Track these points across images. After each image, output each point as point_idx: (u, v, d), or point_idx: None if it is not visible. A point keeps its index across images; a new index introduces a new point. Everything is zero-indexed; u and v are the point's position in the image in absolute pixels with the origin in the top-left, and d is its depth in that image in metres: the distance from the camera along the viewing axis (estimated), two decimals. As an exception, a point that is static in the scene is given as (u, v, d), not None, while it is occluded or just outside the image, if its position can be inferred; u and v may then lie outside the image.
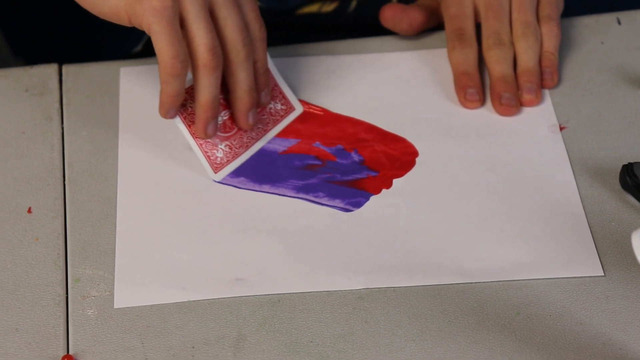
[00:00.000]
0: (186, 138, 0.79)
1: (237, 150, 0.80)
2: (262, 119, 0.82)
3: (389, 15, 0.88)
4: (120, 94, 0.86)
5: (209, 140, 0.79)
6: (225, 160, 0.79)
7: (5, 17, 1.31)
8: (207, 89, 0.76)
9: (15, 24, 1.35)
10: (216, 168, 0.79)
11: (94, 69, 0.88)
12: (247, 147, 0.81)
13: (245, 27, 0.77)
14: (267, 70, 0.81)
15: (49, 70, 0.88)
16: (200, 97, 0.76)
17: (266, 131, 0.82)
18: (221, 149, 0.79)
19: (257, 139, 0.81)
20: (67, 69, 0.88)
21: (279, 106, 0.82)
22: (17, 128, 0.84)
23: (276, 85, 0.83)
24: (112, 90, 0.86)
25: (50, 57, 0.95)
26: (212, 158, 0.79)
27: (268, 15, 0.99)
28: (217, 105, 0.77)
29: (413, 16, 0.88)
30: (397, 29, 0.88)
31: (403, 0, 0.90)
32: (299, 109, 0.83)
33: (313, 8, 0.98)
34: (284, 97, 0.82)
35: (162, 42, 0.74)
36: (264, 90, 0.80)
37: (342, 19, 0.98)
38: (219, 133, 0.79)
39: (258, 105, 0.81)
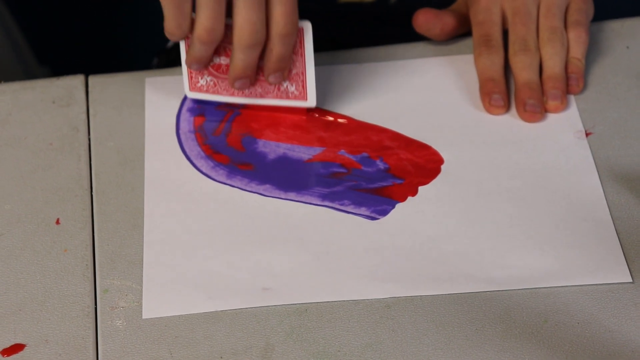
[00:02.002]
0: (181, 52, 0.83)
1: (219, 90, 0.83)
2: (266, 87, 0.83)
3: (422, 20, 0.88)
4: (146, 105, 0.87)
5: None
6: (205, 89, 0.83)
7: (30, 27, 1.33)
8: (194, 51, 0.81)
9: (40, 33, 1.36)
10: (193, 89, 0.84)
11: (119, 79, 0.89)
12: (231, 95, 0.83)
13: (260, 21, 0.79)
14: (283, 60, 0.81)
15: (75, 82, 0.88)
16: (190, 51, 0.81)
17: (262, 97, 0.83)
18: (206, 79, 0.83)
19: (245, 96, 0.83)
20: (93, 80, 0.88)
21: (292, 89, 0.82)
22: (44, 139, 0.85)
23: (302, 73, 0.82)
24: (137, 100, 0.87)
25: (76, 63, 0.96)
26: (193, 79, 0.83)
27: (310, 3, 1.00)
28: (204, 61, 0.82)
29: (445, 21, 0.88)
30: (429, 34, 0.88)
31: (436, 4, 0.90)
32: (310, 103, 0.84)
33: None
34: (303, 86, 0.83)
35: (167, 16, 0.80)
36: (273, 74, 0.82)
37: (384, 10, 0.99)
38: (211, 69, 0.83)
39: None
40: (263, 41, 0.80)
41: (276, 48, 0.80)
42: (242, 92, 0.83)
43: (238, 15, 0.79)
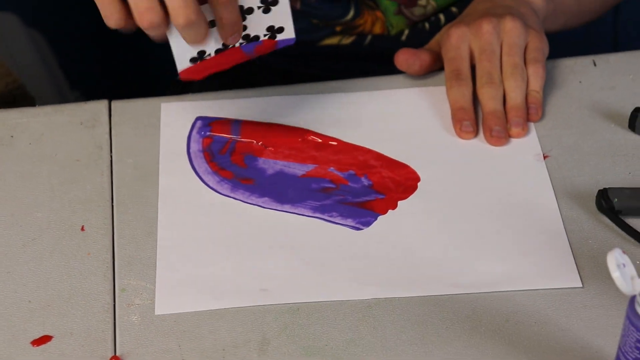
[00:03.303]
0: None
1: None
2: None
3: (403, 59, 0.87)
4: (161, 127, 0.86)
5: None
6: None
7: (64, 55, 1.32)
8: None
9: (72, 61, 1.36)
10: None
11: (138, 104, 0.88)
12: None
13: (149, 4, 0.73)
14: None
15: (99, 106, 0.88)
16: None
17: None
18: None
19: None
20: (115, 104, 0.88)
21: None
22: (72, 156, 0.84)
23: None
24: (154, 123, 0.86)
25: (103, 87, 0.94)
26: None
27: (294, 45, 0.99)
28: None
29: (423, 59, 0.87)
30: (410, 71, 0.88)
31: (403, 46, 0.90)
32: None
33: (334, 40, 0.99)
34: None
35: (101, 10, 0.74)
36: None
37: (359, 51, 0.99)
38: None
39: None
40: (160, 21, 0.73)
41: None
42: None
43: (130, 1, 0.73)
